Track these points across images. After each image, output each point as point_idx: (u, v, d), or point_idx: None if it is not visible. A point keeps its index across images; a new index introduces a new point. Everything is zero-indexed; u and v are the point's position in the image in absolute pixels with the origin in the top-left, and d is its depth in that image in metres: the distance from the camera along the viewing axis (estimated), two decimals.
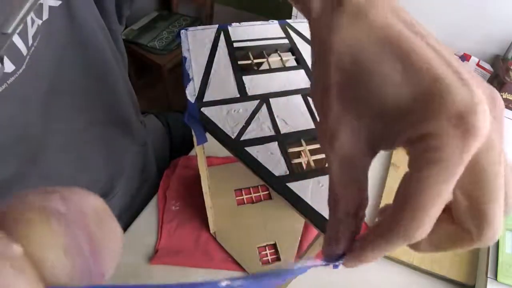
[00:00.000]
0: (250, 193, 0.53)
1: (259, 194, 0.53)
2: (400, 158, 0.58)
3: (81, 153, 0.44)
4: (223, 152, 0.57)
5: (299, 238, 0.47)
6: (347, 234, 0.15)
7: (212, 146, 0.28)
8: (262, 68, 0.32)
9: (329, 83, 0.14)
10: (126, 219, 0.52)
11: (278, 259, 0.46)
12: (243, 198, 0.52)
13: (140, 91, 0.53)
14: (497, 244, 0.44)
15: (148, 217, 0.50)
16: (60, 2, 0.34)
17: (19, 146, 0.34)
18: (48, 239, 0.08)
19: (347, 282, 0.45)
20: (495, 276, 0.41)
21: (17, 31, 0.28)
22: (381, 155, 0.60)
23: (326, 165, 0.25)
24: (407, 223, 0.12)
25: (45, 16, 0.33)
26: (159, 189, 0.53)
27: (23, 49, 0.30)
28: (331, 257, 0.15)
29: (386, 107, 0.13)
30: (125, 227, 0.50)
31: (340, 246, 0.15)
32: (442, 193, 0.12)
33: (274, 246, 0.47)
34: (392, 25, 0.14)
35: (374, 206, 0.53)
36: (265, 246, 0.47)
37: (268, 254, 0.46)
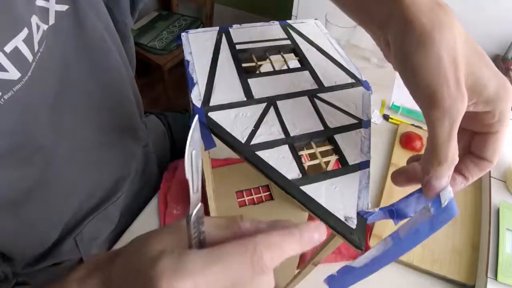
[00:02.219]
0: (252, 194, 0.53)
1: (260, 195, 0.53)
2: (400, 158, 0.59)
3: (89, 158, 0.44)
4: (222, 154, 0.58)
5: None
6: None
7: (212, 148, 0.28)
8: (265, 70, 0.32)
9: (460, 73, 0.20)
10: (127, 220, 0.52)
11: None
12: (244, 200, 0.52)
13: (140, 91, 0.52)
14: (497, 244, 0.44)
15: (148, 218, 0.50)
16: (67, 6, 0.33)
17: (25, 152, 0.33)
18: None
19: None
20: (495, 276, 0.41)
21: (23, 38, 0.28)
22: (381, 154, 0.61)
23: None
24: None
25: (51, 21, 0.32)
26: (160, 193, 0.52)
27: (29, 56, 0.29)
28: (436, 191, 0.21)
29: (487, 87, 0.21)
30: (125, 227, 0.50)
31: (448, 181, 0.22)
32: None
33: None
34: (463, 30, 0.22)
35: (373, 205, 0.53)
36: None
37: None
